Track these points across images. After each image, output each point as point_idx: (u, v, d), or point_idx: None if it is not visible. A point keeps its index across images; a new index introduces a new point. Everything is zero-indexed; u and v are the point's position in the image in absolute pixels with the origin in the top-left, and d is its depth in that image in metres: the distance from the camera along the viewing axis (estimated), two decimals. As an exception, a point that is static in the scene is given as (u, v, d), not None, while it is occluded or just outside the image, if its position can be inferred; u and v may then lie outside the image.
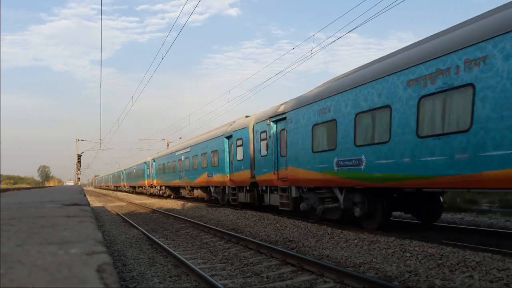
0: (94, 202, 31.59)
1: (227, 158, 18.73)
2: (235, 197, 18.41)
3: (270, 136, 14.43)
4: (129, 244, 10.02)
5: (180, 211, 19.69)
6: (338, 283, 5.71)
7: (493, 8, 7.30)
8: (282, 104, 13.87)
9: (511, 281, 5.27)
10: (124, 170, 55.79)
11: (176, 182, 29.01)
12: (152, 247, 9.56)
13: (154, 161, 36.85)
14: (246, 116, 17.64)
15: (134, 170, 46.39)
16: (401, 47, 9.28)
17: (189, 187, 27.22)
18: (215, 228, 11.49)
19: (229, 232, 10.49)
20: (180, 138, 50.18)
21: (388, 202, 10.01)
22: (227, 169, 18.67)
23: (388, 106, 8.74)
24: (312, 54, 17.42)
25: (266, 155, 14.77)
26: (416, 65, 8.05)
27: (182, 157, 26.67)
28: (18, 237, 1.55)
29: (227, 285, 5.90)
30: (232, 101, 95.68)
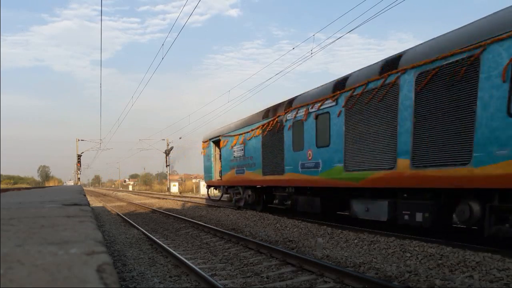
0: (94, 202, 31.59)
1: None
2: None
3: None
4: (129, 244, 10.01)
5: (180, 211, 19.69)
6: (338, 283, 5.71)
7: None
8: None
9: (511, 281, 5.27)
10: None
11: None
12: (152, 247, 9.56)
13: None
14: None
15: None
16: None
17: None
18: (215, 228, 11.49)
19: (229, 232, 10.49)
20: (180, 138, 50.28)
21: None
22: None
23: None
24: (312, 54, 17.48)
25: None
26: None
27: None
28: (18, 237, 1.55)
29: (227, 285, 5.90)
30: (232, 101, 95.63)
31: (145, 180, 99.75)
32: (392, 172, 8.68)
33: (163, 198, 33.68)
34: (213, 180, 21.26)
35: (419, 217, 8.21)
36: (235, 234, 10.04)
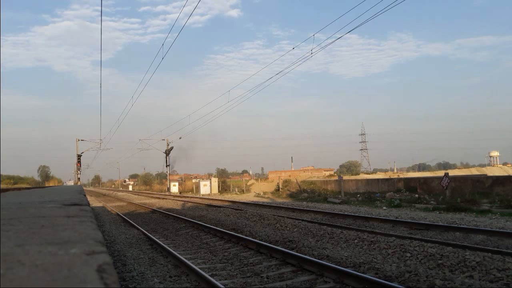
0: (94, 202, 31.59)
1: None
2: None
3: None
4: (129, 244, 10.02)
5: (180, 211, 19.68)
6: (338, 283, 5.71)
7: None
8: None
9: (511, 281, 5.27)
10: None
11: None
12: (152, 247, 9.56)
13: None
14: None
15: None
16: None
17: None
18: (215, 228, 11.49)
19: (229, 232, 10.49)
20: (180, 138, 50.26)
21: None
22: None
23: None
24: (312, 54, 17.48)
25: None
26: None
27: None
28: (18, 237, 1.55)
29: (227, 285, 5.90)
30: (232, 101, 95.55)
31: (145, 180, 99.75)
32: None
33: (163, 198, 33.69)
34: None
35: None
36: (235, 234, 10.04)
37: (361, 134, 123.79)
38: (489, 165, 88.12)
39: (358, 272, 5.98)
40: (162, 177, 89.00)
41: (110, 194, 55.14)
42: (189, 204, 24.70)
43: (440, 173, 41.75)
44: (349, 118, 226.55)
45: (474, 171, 56.95)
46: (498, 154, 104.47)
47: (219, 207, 19.86)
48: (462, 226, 10.71)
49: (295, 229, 10.74)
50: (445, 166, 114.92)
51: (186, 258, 7.60)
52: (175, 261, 7.57)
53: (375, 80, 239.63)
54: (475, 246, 7.55)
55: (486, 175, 25.79)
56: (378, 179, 32.10)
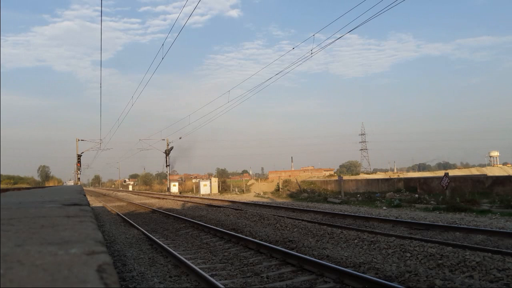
0: (94, 202, 31.60)
1: None
2: None
3: None
4: (129, 244, 10.02)
5: (180, 211, 19.68)
6: (338, 283, 5.71)
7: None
8: None
9: (511, 281, 5.27)
10: None
11: None
12: (152, 247, 9.56)
13: None
14: None
15: None
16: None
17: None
18: (215, 228, 11.49)
19: (229, 232, 10.49)
20: (180, 138, 50.26)
21: None
22: None
23: None
24: (312, 54, 17.48)
25: None
26: None
27: None
28: (18, 237, 1.55)
29: (227, 285, 5.90)
30: (232, 101, 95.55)
31: (145, 180, 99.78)
32: None
33: (163, 198, 33.69)
34: None
35: None
36: (235, 234, 10.04)
37: (361, 134, 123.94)
38: (489, 165, 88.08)
39: (358, 272, 5.98)
40: (162, 177, 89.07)
41: (110, 194, 55.14)
42: (189, 204, 24.70)
43: (440, 173, 41.75)
44: (349, 118, 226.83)
45: (474, 171, 56.95)
46: (498, 154, 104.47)
47: (219, 207, 19.86)
48: (462, 226, 10.70)
49: (295, 229, 10.74)
50: (445, 166, 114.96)
51: (186, 258, 7.60)
52: (175, 261, 7.57)
53: (375, 80, 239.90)
54: (475, 246, 7.55)
55: (486, 175, 25.81)
56: (378, 179, 32.10)
